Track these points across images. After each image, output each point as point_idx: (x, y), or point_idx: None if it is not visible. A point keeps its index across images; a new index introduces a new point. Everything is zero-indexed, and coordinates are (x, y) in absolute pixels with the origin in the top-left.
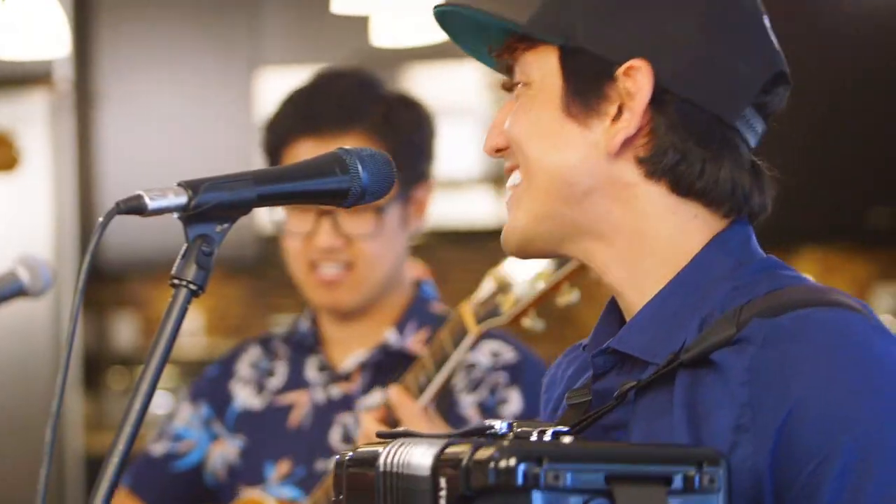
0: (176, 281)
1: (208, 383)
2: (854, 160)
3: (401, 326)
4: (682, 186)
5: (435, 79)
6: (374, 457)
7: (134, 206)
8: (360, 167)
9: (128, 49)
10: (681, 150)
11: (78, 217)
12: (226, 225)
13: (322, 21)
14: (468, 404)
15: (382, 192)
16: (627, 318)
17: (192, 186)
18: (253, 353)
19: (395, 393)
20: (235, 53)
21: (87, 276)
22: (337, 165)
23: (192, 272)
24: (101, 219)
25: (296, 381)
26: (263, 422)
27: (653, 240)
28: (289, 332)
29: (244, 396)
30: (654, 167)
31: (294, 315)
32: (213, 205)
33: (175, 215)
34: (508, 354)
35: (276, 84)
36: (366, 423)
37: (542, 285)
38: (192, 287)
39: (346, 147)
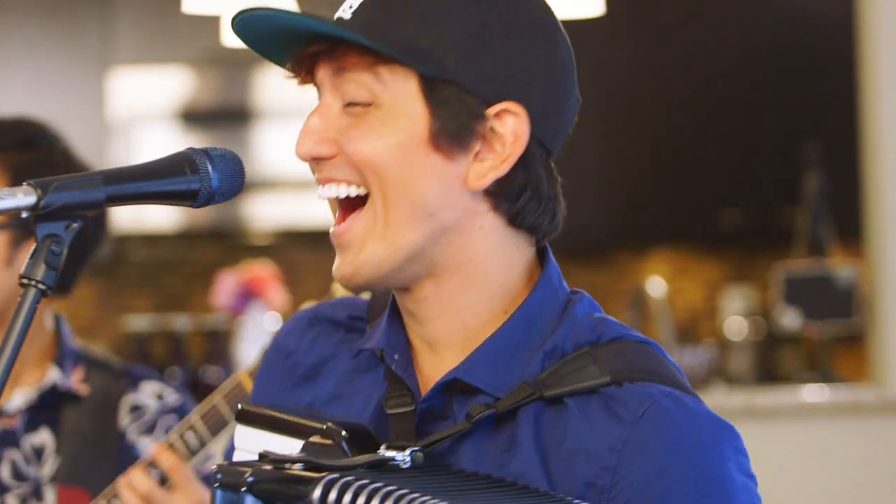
0: (25, 280)
1: None
2: (704, 162)
3: (61, 361)
4: (519, 219)
5: (286, 79)
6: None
7: None
8: (210, 167)
9: None
10: (523, 185)
11: None
12: (75, 224)
13: (174, 20)
14: (147, 445)
15: (232, 193)
16: (422, 342)
17: (41, 186)
18: None
19: (164, 456)
20: (87, 52)
21: None
22: (187, 165)
23: (41, 272)
24: None
25: None
26: None
27: (485, 274)
28: None
29: None
30: (499, 201)
31: (146, 315)
32: (61, 204)
33: (24, 214)
34: (172, 397)
35: (128, 83)
36: (141, 483)
37: None
38: (42, 287)
39: (197, 146)
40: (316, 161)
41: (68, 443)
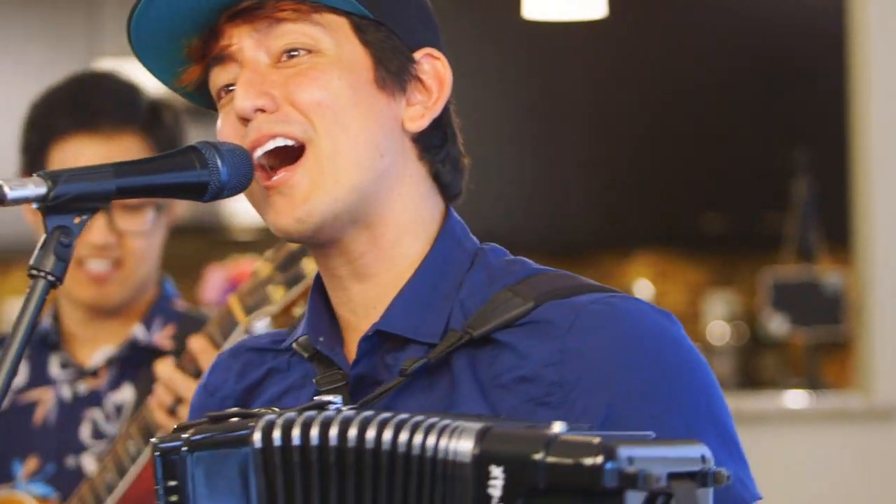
0: (34, 272)
1: None
2: (688, 165)
3: (147, 322)
4: (437, 172)
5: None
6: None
7: None
8: (219, 161)
9: None
10: (444, 133)
11: None
12: (85, 216)
13: None
14: None
15: (241, 188)
16: (352, 314)
17: (51, 177)
18: None
19: (198, 342)
20: (74, 44)
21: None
22: (196, 159)
23: (50, 263)
24: None
25: (39, 378)
26: (7, 421)
27: (408, 223)
28: None
29: None
30: (425, 148)
31: None
32: (71, 196)
33: (34, 205)
34: None
35: None
36: (164, 371)
37: (312, 275)
38: (51, 278)
39: (207, 140)
40: (254, 116)
41: (147, 397)
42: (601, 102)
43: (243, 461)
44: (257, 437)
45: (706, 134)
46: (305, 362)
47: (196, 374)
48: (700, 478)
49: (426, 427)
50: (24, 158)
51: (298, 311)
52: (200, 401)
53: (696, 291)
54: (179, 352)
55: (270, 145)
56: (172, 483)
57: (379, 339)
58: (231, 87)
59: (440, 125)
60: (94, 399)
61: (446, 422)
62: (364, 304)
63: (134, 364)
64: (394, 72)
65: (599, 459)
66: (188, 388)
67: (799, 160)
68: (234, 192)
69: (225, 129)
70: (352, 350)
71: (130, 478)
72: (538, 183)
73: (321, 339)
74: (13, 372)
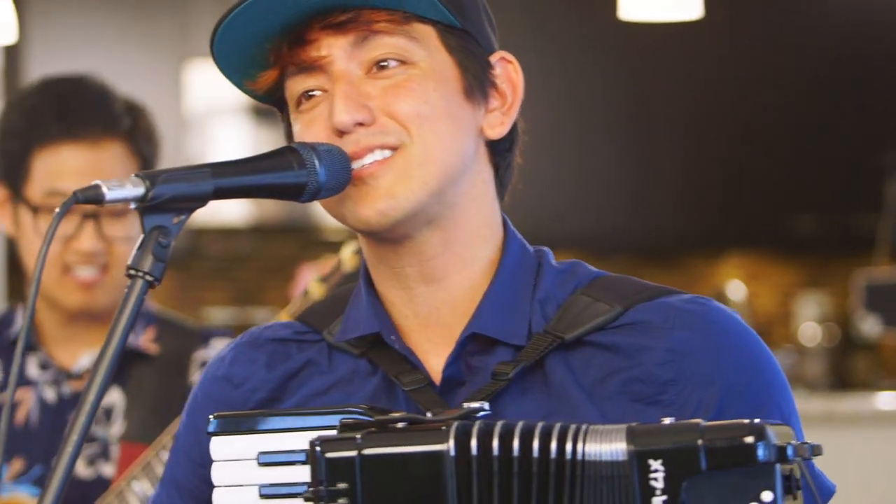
0: (132, 272)
1: None
2: (780, 166)
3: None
4: (501, 174)
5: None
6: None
7: (91, 196)
8: (317, 163)
9: (57, 37)
10: (514, 136)
11: None
12: (182, 217)
13: None
14: None
15: (338, 188)
16: (419, 304)
17: (149, 177)
18: None
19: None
20: (165, 45)
21: (43, 265)
22: (294, 160)
23: (148, 263)
24: (57, 208)
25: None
26: None
27: (480, 226)
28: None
29: None
30: (495, 151)
31: (222, 308)
32: (169, 196)
33: (132, 206)
34: None
35: (205, 76)
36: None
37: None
38: (149, 278)
39: (304, 141)
40: (353, 130)
41: (137, 401)
42: (694, 104)
43: (431, 468)
44: (451, 444)
45: (799, 135)
46: (352, 358)
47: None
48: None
49: (573, 434)
50: (1, 164)
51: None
52: (223, 393)
53: (787, 293)
54: (164, 355)
55: (369, 159)
56: (342, 486)
57: (465, 341)
58: (312, 93)
59: (512, 129)
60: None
61: (593, 427)
62: (428, 305)
63: (120, 367)
64: (478, 82)
65: (752, 438)
66: None
67: (892, 161)
68: (331, 192)
69: (313, 137)
70: (418, 351)
71: None
72: (630, 185)
73: (393, 337)
74: (112, 372)
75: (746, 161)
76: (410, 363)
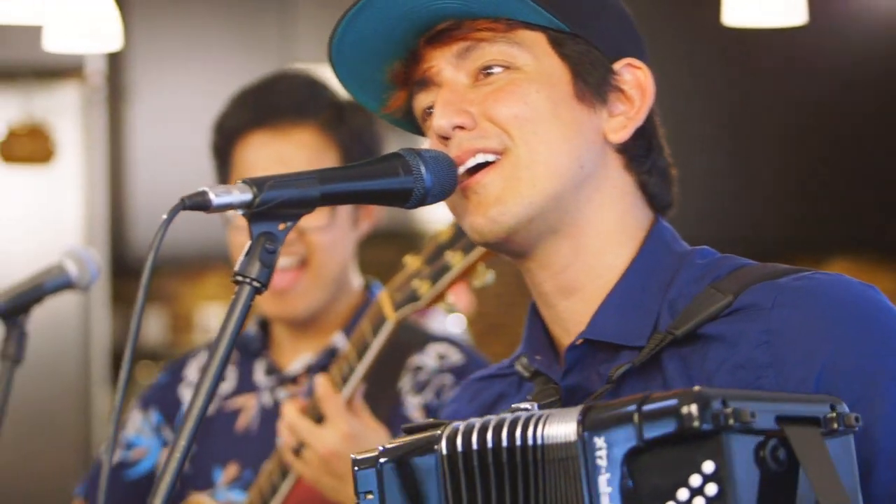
0: (239, 278)
1: (158, 390)
2: (882, 171)
3: (348, 330)
4: (644, 182)
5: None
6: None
7: (198, 202)
8: (423, 168)
9: (160, 44)
10: (650, 141)
11: (108, 209)
12: (289, 223)
13: None
14: (413, 406)
15: (445, 194)
16: (565, 319)
17: (256, 184)
18: (202, 359)
19: (320, 385)
20: (267, 49)
21: (152, 272)
22: (400, 166)
23: (255, 269)
24: (164, 215)
25: (245, 384)
26: (212, 426)
27: (612, 233)
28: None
29: None
30: (630, 158)
31: None
32: (277, 203)
33: (240, 212)
34: (455, 357)
35: None
36: (288, 414)
37: (457, 267)
38: (256, 284)
39: (411, 147)
40: (454, 133)
41: None
42: (796, 107)
43: (431, 467)
44: (443, 444)
45: None
46: (530, 382)
47: (319, 419)
48: (825, 422)
49: (535, 420)
50: (214, 161)
51: (445, 305)
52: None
53: (889, 298)
54: (382, 359)
55: (471, 162)
56: (370, 496)
57: (590, 349)
58: (431, 110)
59: (644, 135)
60: None
61: (557, 411)
62: (572, 320)
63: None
64: (593, 83)
65: (694, 407)
66: (310, 433)
67: None
68: (437, 198)
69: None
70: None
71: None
72: (732, 190)
73: (538, 357)
74: (219, 377)
75: (849, 165)
76: (552, 381)
